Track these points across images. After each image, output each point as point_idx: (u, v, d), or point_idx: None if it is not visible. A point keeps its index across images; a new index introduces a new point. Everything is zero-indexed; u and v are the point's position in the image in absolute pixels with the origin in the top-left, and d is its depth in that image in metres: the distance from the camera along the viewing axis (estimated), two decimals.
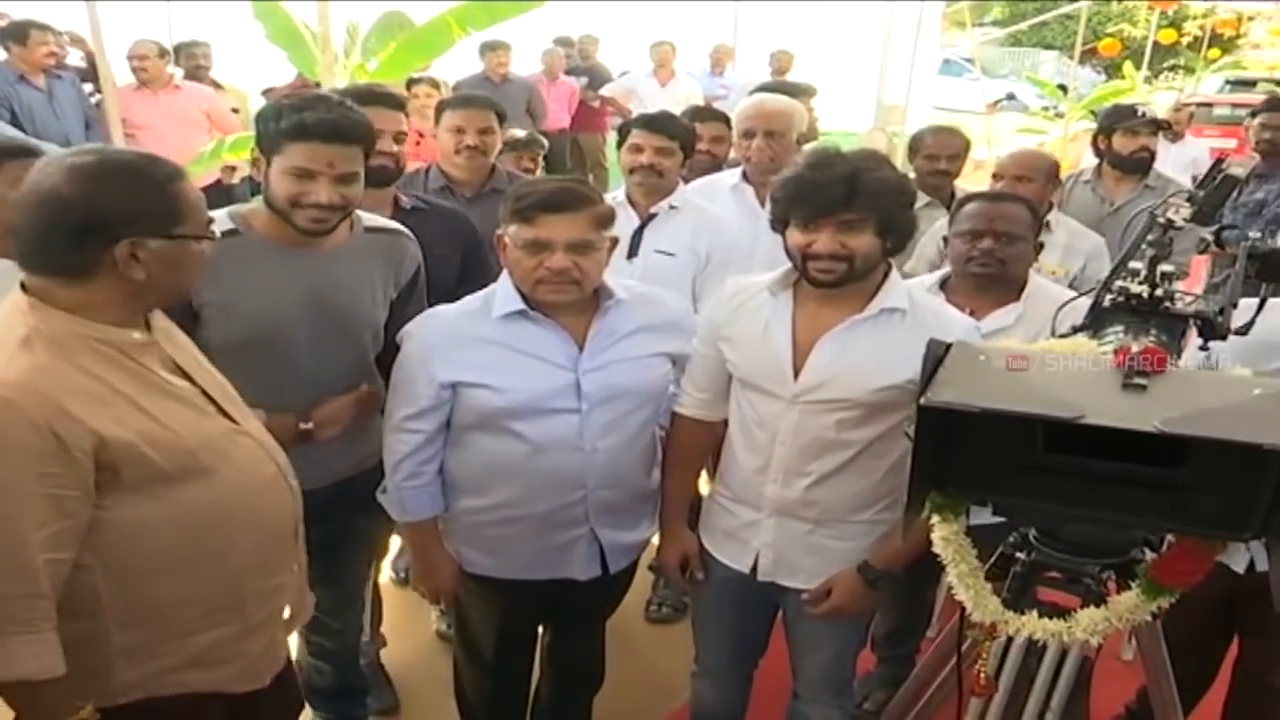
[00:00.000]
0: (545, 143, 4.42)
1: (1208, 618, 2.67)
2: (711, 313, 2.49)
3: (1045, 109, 19.78)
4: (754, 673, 2.75)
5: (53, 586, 1.65)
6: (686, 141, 3.53)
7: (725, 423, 2.52)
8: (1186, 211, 2.00)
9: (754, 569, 2.46)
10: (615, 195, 3.44)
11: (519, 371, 2.33)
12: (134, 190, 1.72)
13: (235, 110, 7.43)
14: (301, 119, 2.25)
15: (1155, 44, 16.94)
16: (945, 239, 3.00)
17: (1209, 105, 15.04)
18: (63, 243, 1.69)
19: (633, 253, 3.40)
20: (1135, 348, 1.59)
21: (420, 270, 2.70)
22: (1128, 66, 18.84)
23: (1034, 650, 2.11)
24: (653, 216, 3.45)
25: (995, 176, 3.79)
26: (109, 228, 1.69)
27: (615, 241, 2.41)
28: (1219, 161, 2.14)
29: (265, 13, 5.95)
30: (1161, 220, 1.98)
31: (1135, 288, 1.96)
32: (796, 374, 2.28)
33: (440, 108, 3.74)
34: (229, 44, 8.13)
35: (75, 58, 7.29)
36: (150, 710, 1.84)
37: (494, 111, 3.65)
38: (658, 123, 3.49)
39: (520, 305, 2.34)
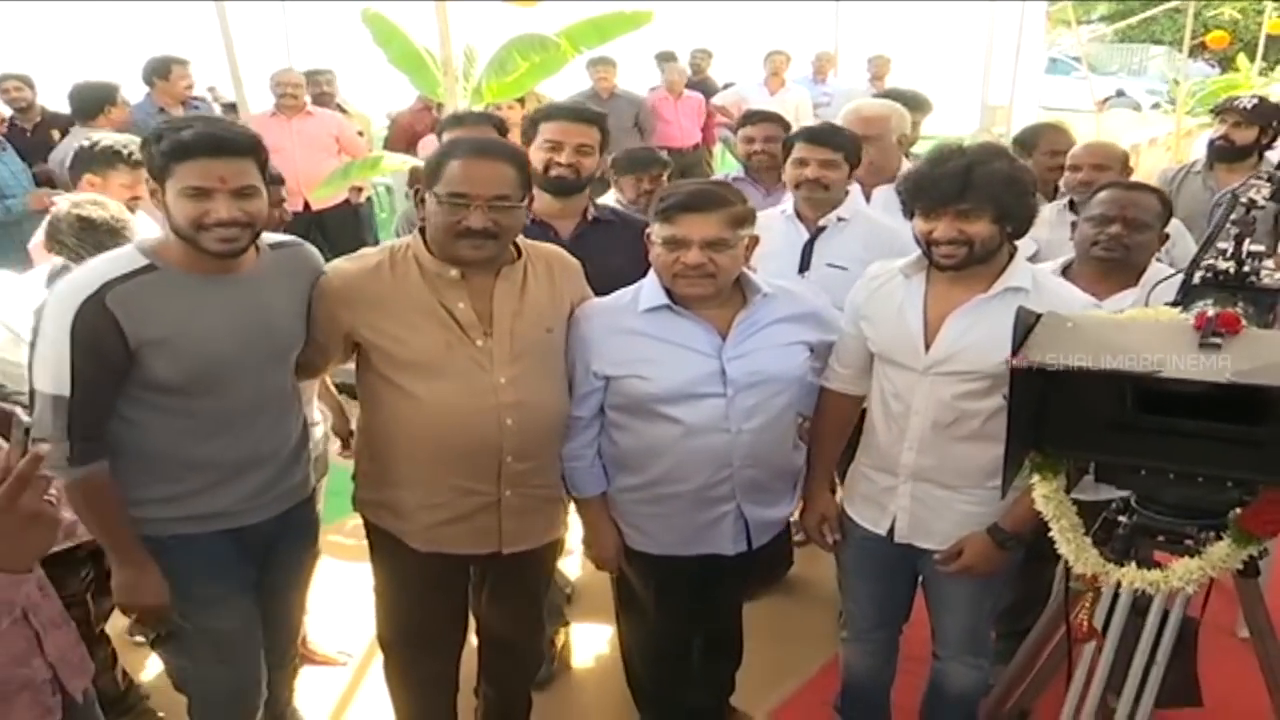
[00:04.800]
0: (667, 161, 4.33)
1: None
2: (854, 295, 2.71)
3: (1156, 105, 19.41)
4: (899, 636, 2.95)
5: None
6: (851, 153, 3.50)
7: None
8: (1267, 191, 2.14)
9: (891, 532, 2.67)
10: (784, 209, 3.54)
11: (667, 360, 2.55)
12: None
13: (360, 133, 7.82)
14: (179, 138, 2.17)
15: (1269, 35, 16.44)
16: (1074, 224, 3.13)
17: None
18: None
19: (804, 267, 3.45)
20: (1211, 312, 1.76)
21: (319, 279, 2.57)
22: (1241, 59, 18.37)
23: (1139, 608, 2.25)
24: (821, 229, 3.47)
25: (1074, 168, 3.87)
26: None
27: (755, 240, 2.60)
28: None
29: (386, 38, 6.24)
30: (1244, 201, 2.12)
31: (1222, 264, 2.11)
32: (928, 348, 2.49)
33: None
34: (350, 69, 8.52)
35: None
36: None
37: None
38: (822, 136, 3.49)
39: (664, 300, 2.55)
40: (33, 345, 2.24)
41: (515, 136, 6.16)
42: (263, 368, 2.43)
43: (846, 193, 3.51)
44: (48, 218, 3.07)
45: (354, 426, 2.98)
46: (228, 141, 2.22)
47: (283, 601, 2.78)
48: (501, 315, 2.49)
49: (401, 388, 2.49)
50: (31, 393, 2.24)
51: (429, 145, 4.38)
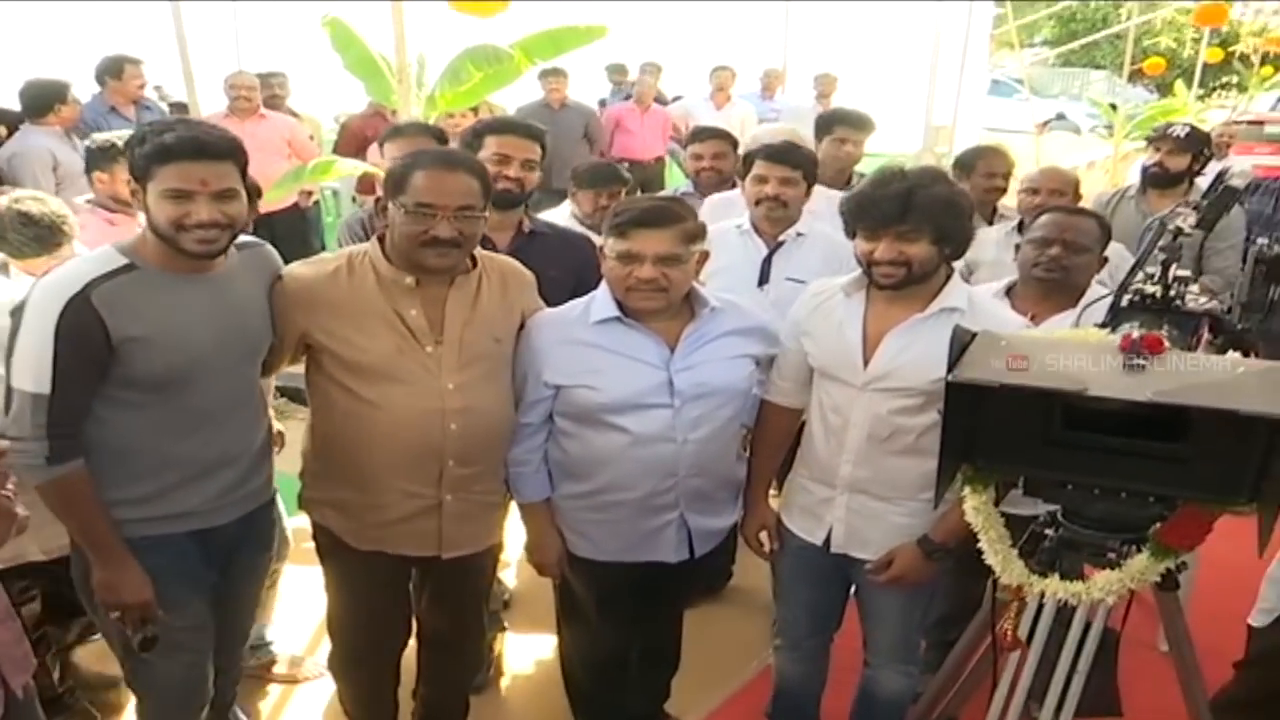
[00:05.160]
0: (628, 178, 4.33)
1: None
2: (795, 311, 2.78)
3: (1095, 129, 19.83)
4: (830, 645, 3.02)
5: None
6: (810, 171, 3.60)
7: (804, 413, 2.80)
8: (1193, 219, 2.23)
9: (827, 542, 2.74)
10: (741, 224, 3.61)
11: (616, 371, 2.61)
12: None
13: (311, 137, 7.81)
14: (162, 141, 2.21)
15: (1205, 63, 16.92)
16: (1017, 246, 3.22)
17: (1260, 124, 15.03)
18: None
19: (763, 280, 3.54)
20: (1135, 335, 1.85)
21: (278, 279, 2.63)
22: (1179, 85, 18.85)
23: (1063, 619, 2.33)
24: (780, 244, 3.57)
25: (1032, 191, 4.01)
26: None
27: (705, 255, 2.67)
28: (1221, 174, 2.37)
29: (344, 43, 6.24)
30: (1171, 229, 2.22)
31: (1150, 288, 2.20)
32: (866, 364, 2.57)
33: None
34: (298, 72, 8.48)
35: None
36: None
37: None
38: (781, 154, 3.56)
39: (615, 312, 2.61)
40: (11, 344, 2.24)
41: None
42: (237, 365, 2.48)
43: (801, 210, 3.59)
44: None
45: (280, 429, 3.05)
46: (209, 145, 2.26)
47: (237, 604, 2.80)
48: (452, 323, 2.54)
49: (351, 390, 2.53)
50: (8, 391, 2.24)
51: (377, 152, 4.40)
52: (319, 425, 2.67)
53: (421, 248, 2.46)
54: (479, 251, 2.66)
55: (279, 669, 3.65)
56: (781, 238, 3.57)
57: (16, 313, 2.25)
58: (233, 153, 2.32)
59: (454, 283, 2.56)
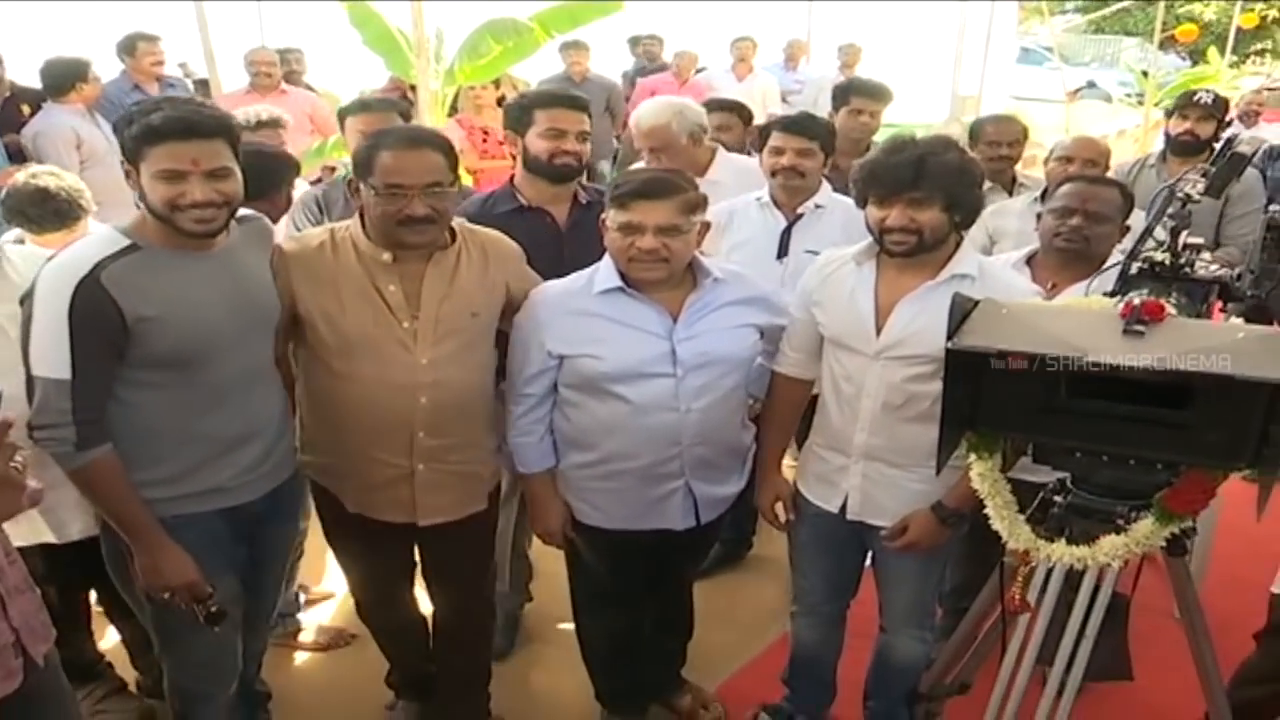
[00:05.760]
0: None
1: None
2: (805, 281, 2.80)
3: (1127, 96, 19.59)
4: (846, 611, 3.06)
5: None
6: (827, 142, 3.59)
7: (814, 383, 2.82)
8: (1201, 186, 2.23)
9: (843, 509, 2.77)
10: (761, 197, 3.61)
11: (619, 340, 2.63)
12: None
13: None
14: (149, 122, 2.19)
15: (1239, 29, 16.65)
16: (1039, 216, 3.21)
17: None
18: None
19: (782, 253, 3.54)
20: (1136, 301, 1.85)
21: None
22: (1211, 52, 18.58)
23: (1071, 585, 2.34)
24: (799, 217, 3.57)
25: (1066, 160, 3.95)
26: None
27: (707, 226, 2.69)
28: (1229, 140, 2.36)
29: (363, 19, 6.28)
30: (1180, 195, 2.21)
31: (1158, 256, 2.20)
32: (879, 333, 2.59)
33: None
34: (319, 48, 8.53)
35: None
36: None
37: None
38: (798, 125, 3.56)
39: (618, 282, 2.63)
40: (25, 332, 2.24)
41: (489, 117, 6.26)
42: (251, 338, 2.50)
43: (820, 181, 3.60)
44: (4, 189, 3.10)
45: None
46: (197, 124, 2.24)
47: (265, 579, 2.84)
48: (429, 299, 2.59)
49: (328, 362, 2.61)
50: (30, 380, 2.24)
51: None
52: (304, 395, 2.75)
53: (398, 227, 2.50)
54: (460, 225, 2.71)
55: (305, 637, 3.71)
56: (800, 210, 3.57)
57: (26, 300, 2.26)
58: (223, 130, 2.31)
59: (432, 258, 2.60)
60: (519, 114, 3.20)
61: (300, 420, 2.80)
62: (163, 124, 2.20)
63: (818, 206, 3.57)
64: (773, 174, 3.57)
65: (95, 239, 2.33)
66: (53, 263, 2.27)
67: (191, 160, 2.22)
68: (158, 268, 2.30)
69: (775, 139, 3.56)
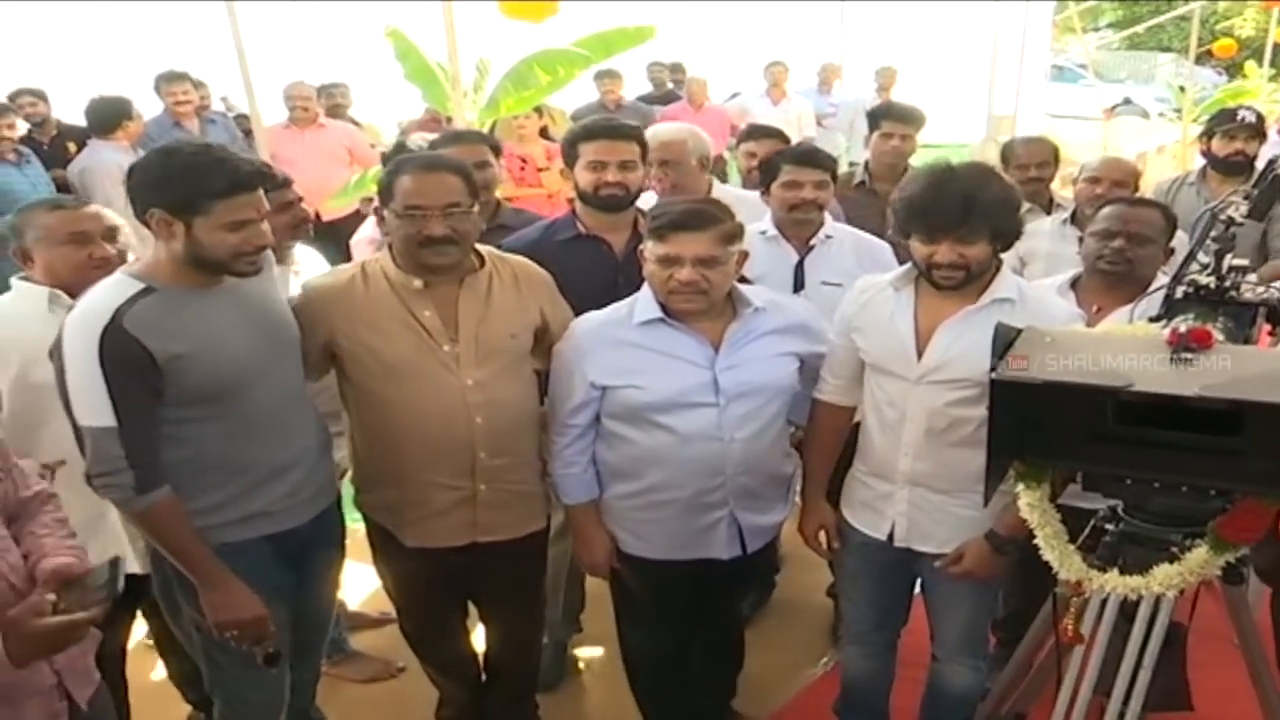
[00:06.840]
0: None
1: None
2: (844, 308, 2.78)
3: (1164, 113, 19.42)
4: (897, 640, 3.02)
5: None
6: (834, 170, 3.55)
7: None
8: (1244, 208, 2.21)
9: (890, 536, 2.74)
10: (765, 230, 3.52)
11: (661, 371, 2.63)
12: None
13: (372, 145, 7.93)
14: (235, 174, 2.30)
15: (1276, 43, 16.48)
16: (1080, 239, 3.19)
17: None
18: None
19: (797, 287, 3.46)
20: (1183, 328, 1.83)
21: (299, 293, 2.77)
22: (1250, 66, 18.37)
23: (1126, 615, 2.31)
24: (810, 249, 3.50)
25: (1094, 181, 3.90)
26: None
27: (745, 255, 2.69)
28: (1272, 162, 2.34)
29: (404, 54, 6.38)
30: (1223, 218, 2.19)
31: (1203, 279, 2.18)
32: (920, 357, 2.57)
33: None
34: (361, 81, 8.63)
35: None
36: None
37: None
38: (813, 158, 3.52)
39: (658, 313, 2.64)
40: (61, 385, 2.27)
41: (529, 147, 6.32)
42: (279, 363, 2.54)
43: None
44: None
45: None
46: (266, 175, 2.43)
47: (314, 604, 2.86)
48: (466, 321, 2.64)
49: (376, 393, 2.64)
50: (77, 431, 2.28)
51: None
52: (356, 431, 2.78)
53: (420, 248, 2.56)
54: (489, 251, 2.75)
55: (354, 669, 3.72)
56: (811, 242, 3.51)
57: (54, 353, 2.29)
58: (264, 179, 2.45)
59: (464, 283, 2.65)
60: (568, 149, 3.26)
61: (354, 457, 2.84)
62: (249, 176, 2.33)
63: (828, 237, 3.51)
64: (790, 208, 3.47)
65: (107, 287, 2.35)
66: (73, 315, 2.31)
67: (256, 209, 2.35)
68: (176, 307, 2.33)
69: (790, 172, 3.45)
